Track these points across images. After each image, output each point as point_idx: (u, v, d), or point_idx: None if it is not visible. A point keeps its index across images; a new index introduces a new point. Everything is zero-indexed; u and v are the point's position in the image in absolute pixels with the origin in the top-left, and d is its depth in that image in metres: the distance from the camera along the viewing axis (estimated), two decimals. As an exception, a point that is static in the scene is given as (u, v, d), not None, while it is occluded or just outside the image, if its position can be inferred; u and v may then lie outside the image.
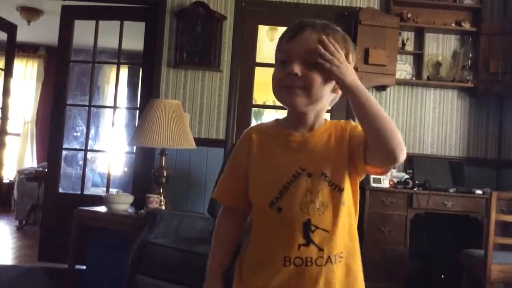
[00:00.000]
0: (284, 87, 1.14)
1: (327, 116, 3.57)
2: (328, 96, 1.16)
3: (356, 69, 4.20)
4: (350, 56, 1.17)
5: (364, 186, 3.46)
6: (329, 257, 1.12)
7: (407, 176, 3.73)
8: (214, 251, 1.25)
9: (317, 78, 1.11)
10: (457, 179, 3.85)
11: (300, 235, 1.11)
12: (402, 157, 1.06)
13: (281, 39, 1.20)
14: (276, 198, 1.13)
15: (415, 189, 3.57)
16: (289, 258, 1.11)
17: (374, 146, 1.08)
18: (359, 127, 1.14)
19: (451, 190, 3.56)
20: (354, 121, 1.20)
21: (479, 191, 3.55)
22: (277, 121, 1.25)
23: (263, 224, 1.16)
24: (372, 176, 3.42)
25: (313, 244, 1.11)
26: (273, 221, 1.13)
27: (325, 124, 1.20)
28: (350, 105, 1.09)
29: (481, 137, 4.07)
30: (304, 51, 1.12)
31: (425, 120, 4.09)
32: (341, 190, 1.13)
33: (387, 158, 1.07)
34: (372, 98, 1.08)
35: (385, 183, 3.60)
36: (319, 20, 1.17)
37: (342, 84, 1.09)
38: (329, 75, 1.10)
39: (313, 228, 1.11)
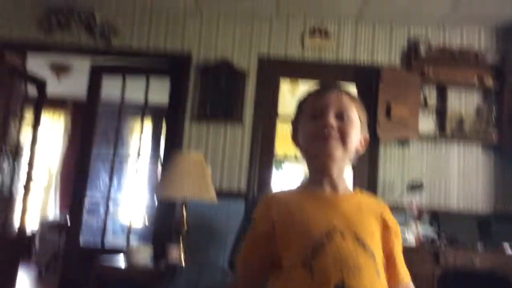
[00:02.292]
0: (319, 139, 1.19)
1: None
2: (353, 150, 1.23)
3: (377, 122, 4.15)
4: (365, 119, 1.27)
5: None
6: None
7: (433, 232, 3.63)
8: None
9: (352, 129, 1.21)
10: (484, 235, 3.74)
11: None
12: None
13: (305, 99, 1.27)
14: (309, 257, 1.07)
15: (441, 246, 3.47)
16: None
17: None
18: (392, 221, 1.21)
19: (478, 247, 3.45)
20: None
21: (508, 248, 3.43)
22: (297, 186, 1.25)
23: (290, 285, 1.08)
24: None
25: None
26: (303, 281, 1.06)
27: (354, 192, 1.24)
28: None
29: (508, 192, 3.98)
30: (336, 107, 1.21)
31: (450, 175, 4.03)
32: (374, 256, 1.10)
33: None
34: None
35: (411, 240, 3.52)
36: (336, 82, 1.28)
37: None
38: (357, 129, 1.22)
39: None
